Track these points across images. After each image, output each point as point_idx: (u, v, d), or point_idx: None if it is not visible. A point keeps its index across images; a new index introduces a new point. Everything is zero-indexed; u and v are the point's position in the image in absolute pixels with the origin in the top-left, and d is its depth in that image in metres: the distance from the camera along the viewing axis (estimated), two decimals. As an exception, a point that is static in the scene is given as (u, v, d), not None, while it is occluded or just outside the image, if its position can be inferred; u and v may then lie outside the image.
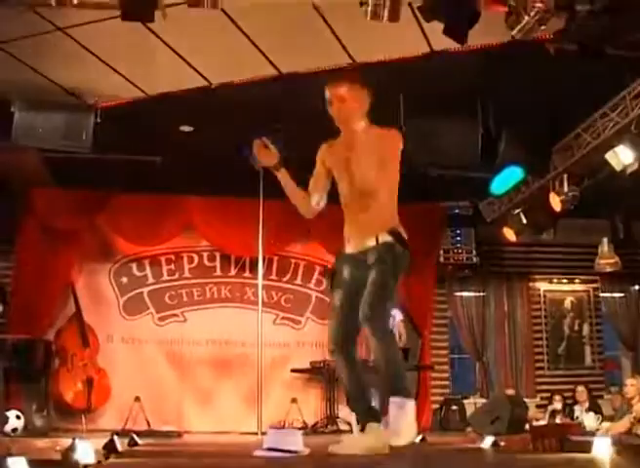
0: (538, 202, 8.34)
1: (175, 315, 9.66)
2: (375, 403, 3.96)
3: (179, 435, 8.22)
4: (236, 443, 6.83)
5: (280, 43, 5.78)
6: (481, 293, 10.53)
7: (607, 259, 9.68)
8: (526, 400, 8.62)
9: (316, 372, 9.12)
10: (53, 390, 8.65)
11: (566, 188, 7.77)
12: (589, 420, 8.10)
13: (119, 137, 7.22)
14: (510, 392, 9.46)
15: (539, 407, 9.74)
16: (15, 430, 7.32)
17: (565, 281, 10.89)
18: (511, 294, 10.67)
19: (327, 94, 3.89)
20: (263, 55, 5.91)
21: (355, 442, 3.71)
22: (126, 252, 9.65)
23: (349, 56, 5.85)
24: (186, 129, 7.62)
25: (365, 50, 5.82)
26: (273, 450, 3.60)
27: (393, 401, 3.63)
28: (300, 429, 7.55)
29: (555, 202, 7.87)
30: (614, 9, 4.76)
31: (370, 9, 4.59)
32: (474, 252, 9.86)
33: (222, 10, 4.87)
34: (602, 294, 10.92)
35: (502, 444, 4.30)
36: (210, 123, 7.32)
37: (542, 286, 10.83)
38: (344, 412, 7.89)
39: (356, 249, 3.86)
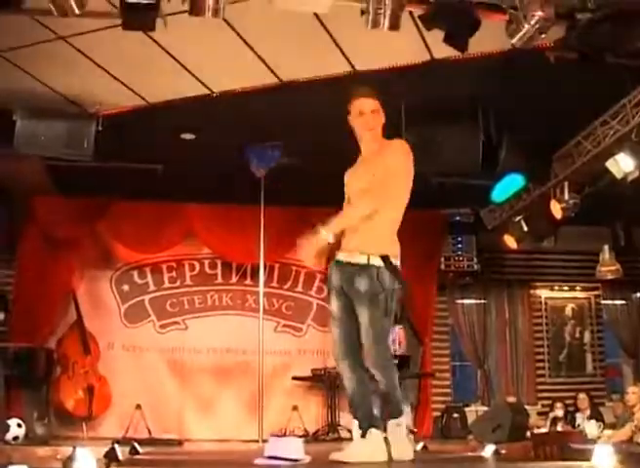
0: (538, 209, 8.33)
1: (176, 323, 9.64)
2: (376, 410, 3.97)
3: (179, 443, 8.21)
4: (237, 451, 6.83)
5: (281, 51, 5.79)
6: (482, 301, 10.49)
7: (608, 267, 9.66)
8: (527, 407, 8.57)
9: (317, 380, 9.09)
10: (54, 398, 8.65)
11: (567, 196, 7.77)
12: (591, 428, 8.05)
13: (120, 145, 7.22)
14: (511, 399, 9.42)
15: (540, 414, 9.69)
16: (16, 438, 7.28)
17: (566, 288, 10.85)
18: (512, 302, 10.64)
19: (357, 104, 3.92)
20: (264, 63, 5.92)
21: (356, 450, 3.71)
22: (127, 259, 9.64)
23: (350, 64, 5.86)
24: (188, 137, 7.61)
25: (366, 58, 5.82)
26: (274, 458, 3.59)
27: (391, 423, 3.73)
28: (301, 437, 7.54)
29: (556, 209, 7.87)
30: (614, 17, 4.77)
31: (370, 17, 4.59)
32: (475, 259, 9.83)
33: (224, 19, 4.88)
34: (603, 302, 10.89)
35: (504, 452, 4.30)
36: (211, 131, 7.32)
37: (544, 293, 10.80)
38: (346, 420, 7.90)
39: (346, 258, 3.86)
